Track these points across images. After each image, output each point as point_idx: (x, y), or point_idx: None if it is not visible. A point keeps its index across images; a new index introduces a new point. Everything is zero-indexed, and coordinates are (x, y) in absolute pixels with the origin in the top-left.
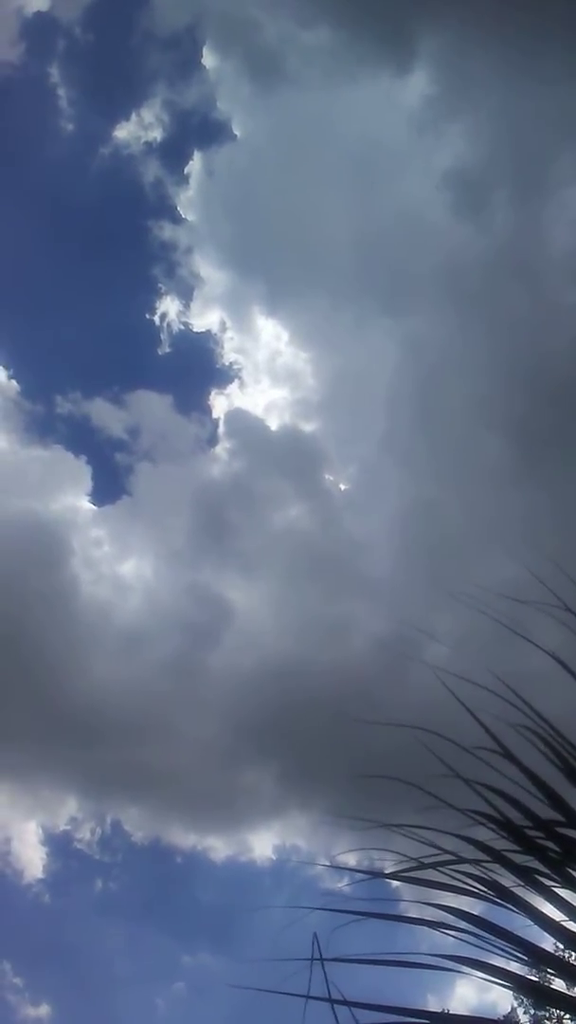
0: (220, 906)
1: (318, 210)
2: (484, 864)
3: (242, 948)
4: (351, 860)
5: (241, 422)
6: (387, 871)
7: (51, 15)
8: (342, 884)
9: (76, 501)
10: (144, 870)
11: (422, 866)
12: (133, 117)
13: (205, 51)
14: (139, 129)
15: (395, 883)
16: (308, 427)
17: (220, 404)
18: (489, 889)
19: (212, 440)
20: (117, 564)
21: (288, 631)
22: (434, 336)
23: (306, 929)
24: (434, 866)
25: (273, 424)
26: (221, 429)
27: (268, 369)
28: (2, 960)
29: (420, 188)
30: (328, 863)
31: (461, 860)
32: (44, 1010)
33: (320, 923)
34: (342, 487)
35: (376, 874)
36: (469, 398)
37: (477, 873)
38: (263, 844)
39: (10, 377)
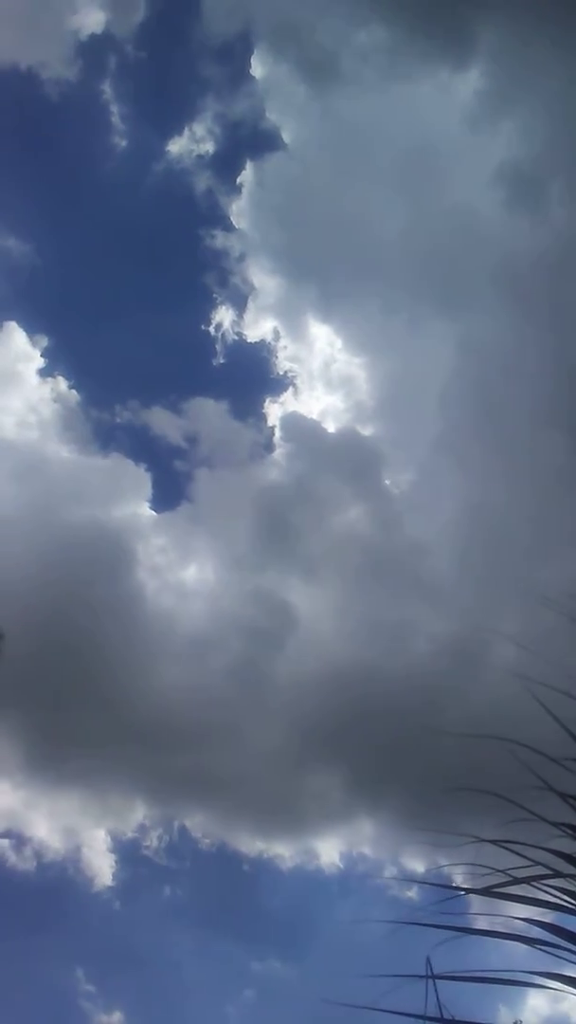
0: (288, 914)
1: (370, 212)
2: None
3: (311, 956)
4: (422, 868)
5: (297, 427)
6: (466, 884)
7: (105, 33)
8: (437, 901)
9: (138, 508)
10: (211, 877)
11: (514, 880)
12: (186, 132)
13: (254, 60)
14: (191, 143)
15: (465, 894)
16: (365, 431)
17: (275, 411)
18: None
19: (269, 446)
20: (180, 570)
21: (352, 635)
22: (490, 335)
23: (375, 940)
24: (527, 881)
25: (330, 428)
26: (277, 435)
27: (323, 376)
28: (76, 967)
29: (474, 185)
30: (400, 875)
31: (557, 875)
32: (117, 1017)
33: (389, 935)
34: (401, 489)
35: (469, 890)
36: (527, 397)
37: (567, 886)
38: (330, 850)
39: (71, 387)
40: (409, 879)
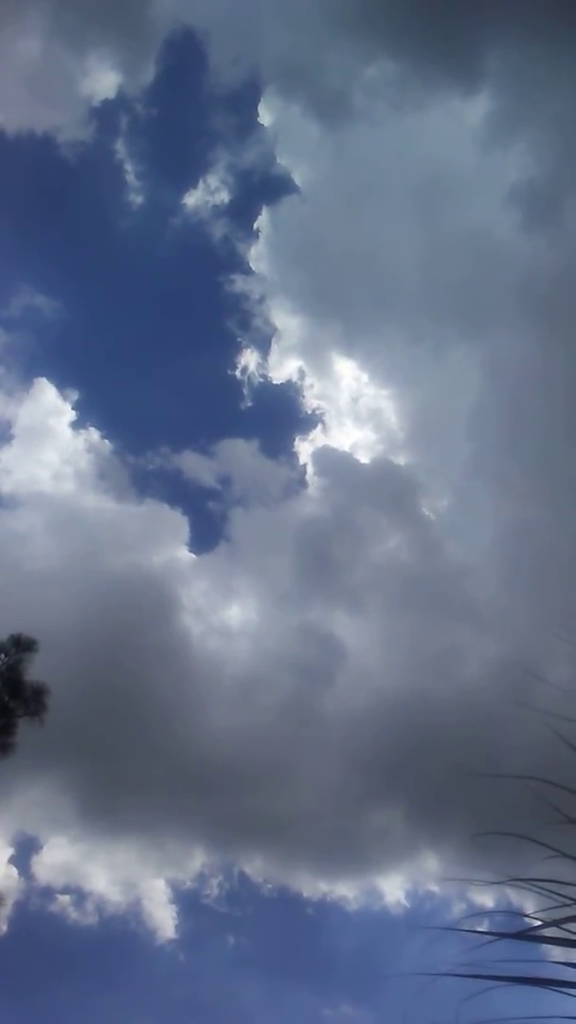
0: (357, 957)
1: (387, 244)
2: None
3: (384, 1001)
4: (491, 903)
5: (329, 461)
6: (529, 928)
7: (118, 94)
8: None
9: (176, 552)
10: (275, 923)
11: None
12: (200, 184)
13: (262, 107)
14: (206, 194)
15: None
16: (398, 460)
17: (306, 448)
18: None
19: (302, 481)
20: (223, 611)
21: (401, 665)
22: (516, 354)
23: (449, 982)
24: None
25: (363, 459)
26: (310, 470)
27: (351, 410)
28: (145, 1023)
29: (489, 208)
30: (466, 925)
31: None
32: None
33: (460, 982)
34: (439, 514)
35: (523, 936)
36: (558, 412)
37: None
38: (393, 888)
39: (103, 437)
40: (461, 929)
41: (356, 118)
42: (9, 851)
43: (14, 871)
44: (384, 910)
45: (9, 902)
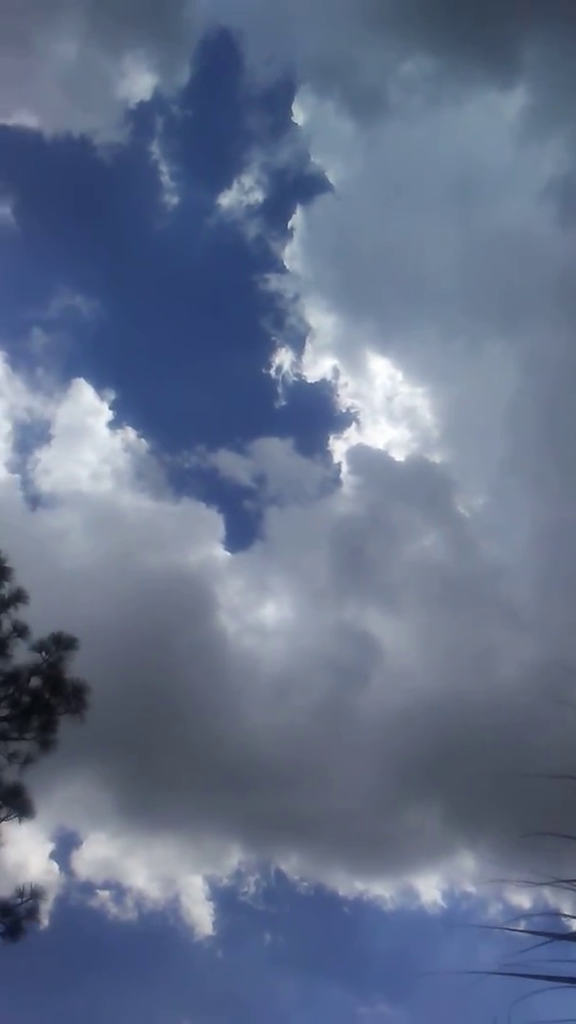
0: (393, 956)
1: (422, 241)
2: None
3: (420, 999)
4: (527, 904)
5: (364, 459)
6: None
7: (154, 95)
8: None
9: (212, 550)
10: (311, 921)
11: None
12: (234, 184)
13: (296, 105)
14: (240, 194)
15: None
16: (433, 457)
17: (340, 447)
18: None
19: (336, 480)
20: (259, 609)
21: (437, 664)
22: (554, 350)
23: (485, 982)
24: None
25: (397, 457)
26: (344, 469)
27: (385, 409)
28: (182, 1018)
29: (525, 203)
30: (502, 924)
31: None
32: None
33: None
34: (474, 513)
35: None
36: None
37: None
38: (430, 888)
39: (140, 437)
40: (510, 927)
41: (391, 114)
42: (50, 846)
43: (55, 866)
44: (420, 910)
45: (50, 897)
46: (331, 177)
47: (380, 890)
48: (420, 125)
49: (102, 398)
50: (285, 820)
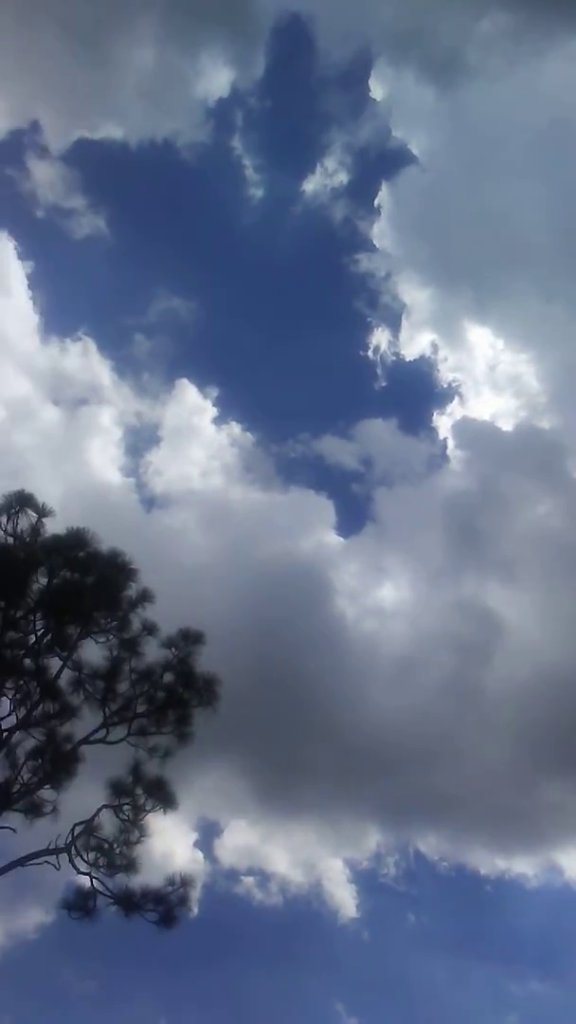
0: (541, 933)
1: (513, 203)
2: None
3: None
4: None
5: (471, 432)
6: None
7: (232, 90)
8: None
9: (325, 537)
10: (454, 900)
11: None
12: (317, 169)
13: (373, 81)
14: (324, 178)
15: None
16: (541, 424)
17: (445, 422)
18: None
19: (443, 456)
20: (376, 592)
21: (562, 635)
22: None
23: None
24: None
25: (505, 427)
26: (451, 444)
27: (489, 380)
28: (335, 1001)
29: None
30: None
31: None
32: None
33: None
34: None
35: None
36: None
37: None
38: (573, 863)
39: (244, 430)
40: None
41: (472, 77)
42: (193, 836)
43: (199, 855)
44: (566, 886)
45: (198, 885)
46: (414, 149)
47: (523, 867)
48: (503, 84)
49: (205, 396)
50: (421, 800)
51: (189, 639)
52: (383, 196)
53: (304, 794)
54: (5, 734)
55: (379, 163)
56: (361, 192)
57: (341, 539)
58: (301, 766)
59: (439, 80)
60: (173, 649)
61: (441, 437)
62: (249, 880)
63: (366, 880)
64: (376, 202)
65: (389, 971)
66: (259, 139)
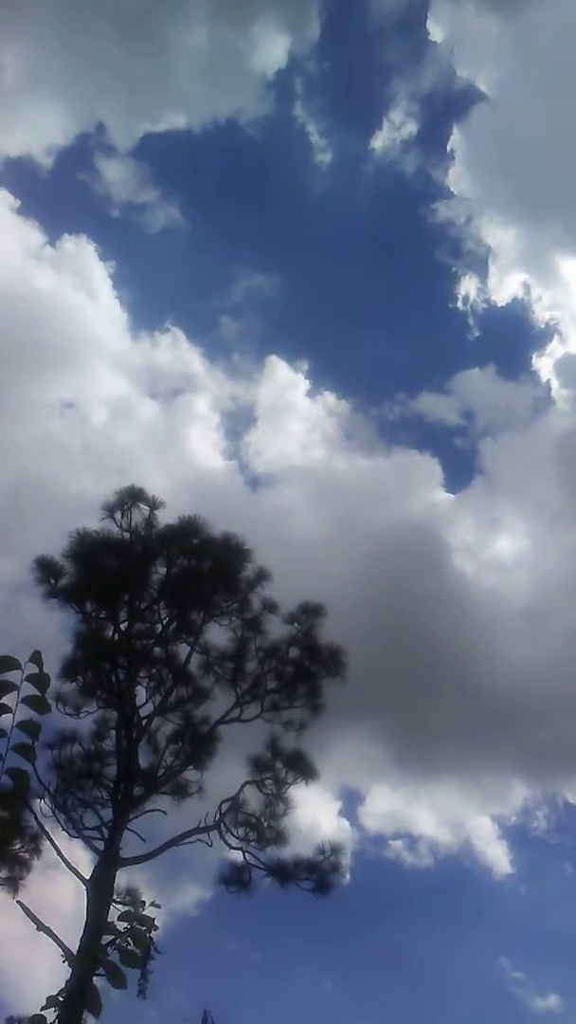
0: None
1: None
2: None
3: None
4: None
5: (574, 369)
6: None
7: (289, 57)
8: None
9: (434, 496)
10: None
11: None
12: (384, 124)
13: (430, 25)
14: (392, 132)
15: None
16: None
17: (545, 364)
18: None
19: (548, 398)
20: (493, 544)
21: None
22: None
23: None
24: None
25: None
26: (555, 384)
27: None
28: (499, 957)
29: None
30: None
31: None
32: (552, 1000)
33: None
34: None
35: None
36: None
37: None
38: None
39: (339, 399)
40: None
41: (534, 1)
42: (337, 804)
43: (346, 823)
44: None
45: (347, 852)
46: (481, 85)
47: None
48: (567, 5)
49: (296, 369)
50: (563, 749)
51: (310, 612)
52: (455, 140)
53: (443, 754)
54: (144, 721)
55: (447, 107)
56: (432, 139)
57: (451, 496)
58: (436, 726)
59: (500, 8)
60: (295, 624)
61: (544, 379)
62: (397, 844)
63: (517, 835)
64: (449, 147)
65: (550, 924)
66: (322, 103)
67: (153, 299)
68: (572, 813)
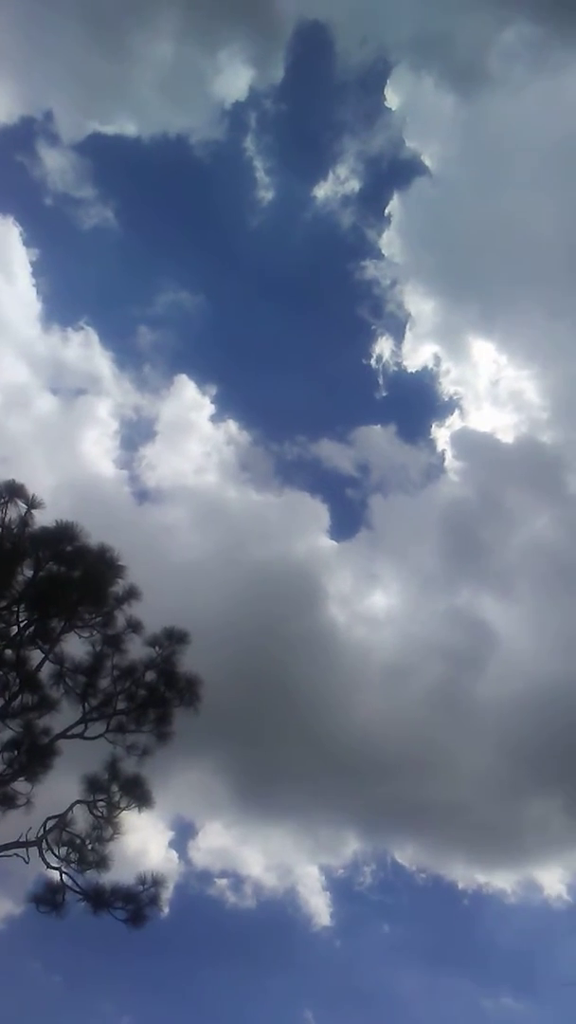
0: (516, 949)
1: (524, 216)
2: None
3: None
4: None
5: (470, 443)
6: None
7: (250, 90)
8: None
9: (318, 540)
10: (430, 912)
11: None
12: (330, 175)
13: (388, 90)
14: (336, 185)
15: None
16: (542, 438)
17: (443, 434)
18: None
19: (441, 467)
20: (368, 597)
21: (555, 649)
22: None
23: None
24: None
25: (504, 440)
26: (449, 454)
27: (490, 394)
28: (305, 1008)
29: None
30: None
31: None
32: None
33: None
34: None
35: None
36: None
37: None
38: (554, 882)
39: (242, 429)
40: None
41: (492, 86)
42: (169, 835)
43: (174, 855)
44: (544, 903)
45: (170, 885)
46: (427, 159)
47: (501, 883)
48: (523, 95)
49: (204, 392)
50: (401, 809)
51: (173, 638)
52: (393, 205)
53: (283, 798)
54: None
55: (391, 172)
56: (371, 200)
57: (334, 543)
58: (282, 770)
59: (458, 88)
60: (157, 648)
61: (439, 448)
62: (223, 882)
63: (342, 888)
64: (387, 211)
65: (360, 980)
66: (272, 143)
67: (72, 295)
68: (398, 872)
